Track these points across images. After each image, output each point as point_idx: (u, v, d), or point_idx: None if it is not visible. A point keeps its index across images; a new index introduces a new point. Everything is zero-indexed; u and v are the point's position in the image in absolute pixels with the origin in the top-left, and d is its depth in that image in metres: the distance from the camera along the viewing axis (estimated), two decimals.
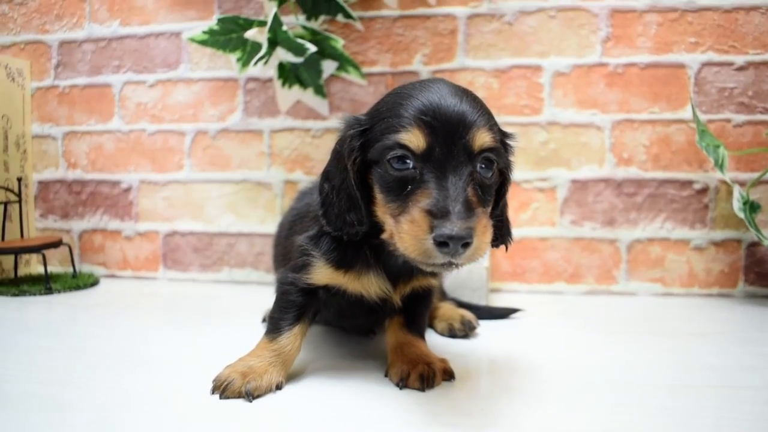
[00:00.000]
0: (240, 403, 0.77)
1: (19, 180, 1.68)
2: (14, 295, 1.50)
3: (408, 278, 0.90)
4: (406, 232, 0.69)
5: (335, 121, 1.64)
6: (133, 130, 1.77)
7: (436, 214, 0.67)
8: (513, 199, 1.57)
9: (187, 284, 1.71)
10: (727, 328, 1.22)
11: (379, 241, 0.81)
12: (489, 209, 0.76)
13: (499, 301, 1.42)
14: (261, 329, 1.14)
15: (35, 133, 1.83)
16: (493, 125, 0.76)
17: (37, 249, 1.57)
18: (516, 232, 1.57)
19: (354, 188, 0.79)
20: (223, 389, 0.78)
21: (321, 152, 1.66)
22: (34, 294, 1.51)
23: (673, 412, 0.76)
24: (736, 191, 1.39)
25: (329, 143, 1.64)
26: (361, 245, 0.84)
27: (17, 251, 1.56)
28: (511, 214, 1.55)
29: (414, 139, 0.71)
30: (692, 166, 1.51)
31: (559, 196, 1.56)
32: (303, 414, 0.74)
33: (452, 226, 0.65)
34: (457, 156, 0.71)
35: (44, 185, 1.85)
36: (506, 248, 0.90)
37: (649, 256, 1.54)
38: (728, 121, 1.50)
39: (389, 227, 0.76)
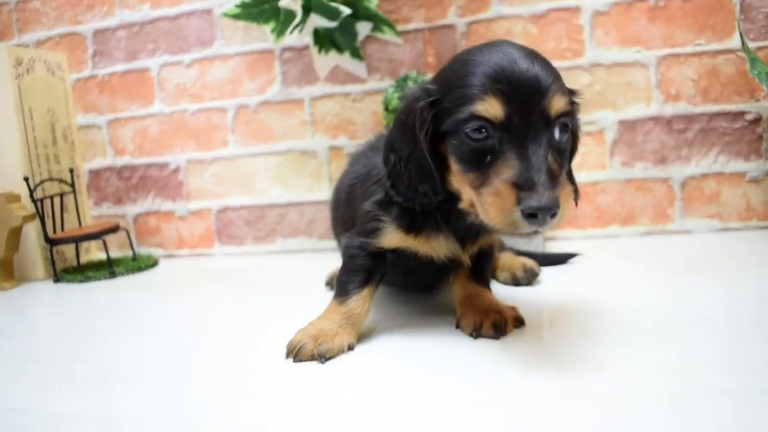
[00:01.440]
0: (314, 365, 0.79)
1: (71, 171, 1.72)
2: (80, 281, 1.55)
3: (475, 238, 0.90)
4: (491, 204, 0.69)
5: (375, 83, 1.63)
6: (175, 111, 1.79)
7: (522, 186, 0.66)
8: None
9: (242, 258, 1.74)
10: None
11: (449, 206, 0.82)
12: (564, 173, 0.75)
13: (555, 249, 1.42)
14: (323, 294, 1.17)
15: (80, 124, 1.87)
16: (564, 87, 0.74)
17: (97, 236, 1.61)
18: None
19: (427, 159, 0.78)
20: (296, 353, 0.80)
21: (363, 115, 1.66)
22: (99, 279, 1.56)
23: (744, 344, 0.75)
24: None
25: (371, 106, 1.64)
26: (431, 209, 0.84)
27: (78, 239, 1.61)
28: None
29: (491, 109, 0.70)
30: (743, 97, 1.47)
31: (607, 139, 1.54)
32: (378, 371, 0.76)
33: (540, 198, 0.64)
34: (535, 123, 0.70)
35: (95, 174, 1.89)
36: (575, 204, 0.88)
37: (704, 192, 1.51)
38: None
39: (468, 197, 0.76)
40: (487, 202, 0.70)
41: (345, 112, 1.66)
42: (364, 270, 0.89)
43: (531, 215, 0.65)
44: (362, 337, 0.89)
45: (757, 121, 1.47)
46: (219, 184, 1.78)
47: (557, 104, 0.71)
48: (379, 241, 0.88)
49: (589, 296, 1.03)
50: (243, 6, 1.48)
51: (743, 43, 1.34)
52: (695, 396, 0.61)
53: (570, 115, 0.74)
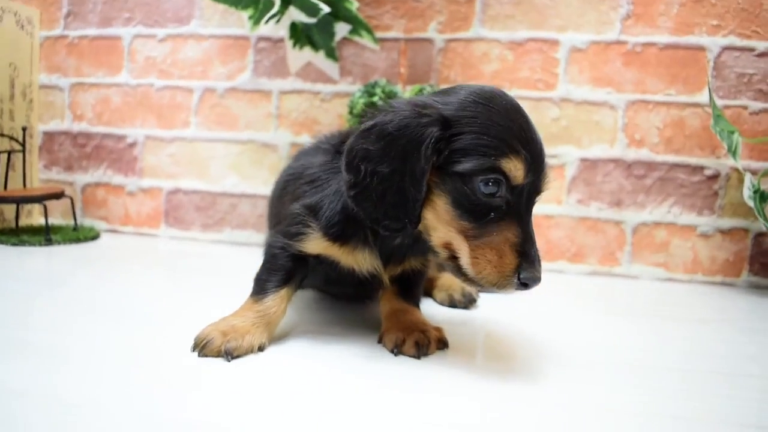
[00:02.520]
0: (219, 362, 0.76)
1: (24, 129, 1.66)
2: (14, 244, 1.49)
3: (400, 260, 0.89)
4: (490, 262, 0.71)
5: (345, 85, 1.61)
6: (141, 85, 1.75)
7: (525, 256, 0.70)
8: None
9: (187, 243, 1.70)
10: (729, 316, 1.20)
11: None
12: None
13: None
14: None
15: (42, 83, 1.82)
16: None
17: (38, 199, 1.56)
18: None
19: (420, 189, 0.74)
20: (202, 347, 0.77)
21: (329, 116, 1.63)
22: (34, 244, 1.50)
23: (666, 396, 0.75)
24: (748, 179, 1.37)
25: (337, 107, 1.62)
26: (362, 222, 0.80)
27: (19, 200, 1.55)
28: None
29: (514, 169, 0.71)
30: (704, 152, 1.49)
31: (567, 174, 1.54)
32: (284, 377, 0.73)
33: (536, 273, 0.70)
34: (532, 195, 0.75)
35: (49, 136, 1.83)
36: None
37: (654, 239, 1.52)
38: (745, 107, 1.47)
39: (445, 238, 0.76)
40: (485, 258, 0.71)
41: (312, 110, 1.64)
42: (284, 270, 0.87)
43: (524, 284, 0.70)
44: (277, 338, 0.87)
45: (715, 177, 1.49)
46: (174, 164, 1.74)
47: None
48: (302, 245, 0.86)
49: (522, 328, 1.02)
50: None
51: (711, 98, 1.36)
52: None
53: None
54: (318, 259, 0.87)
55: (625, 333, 1.03)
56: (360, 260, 0.85)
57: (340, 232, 0.83)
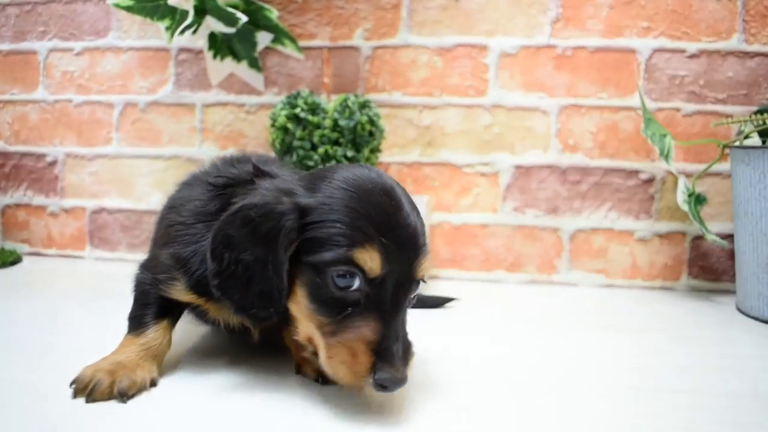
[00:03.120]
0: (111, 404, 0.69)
1: None
2: None
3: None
4: (343, 362, 0.65)
5: (271, 97, 1.56)
6: (59, 101, 1.66)
7: (382, 355, 0.63)
8: (454, 183, 1.51)
9: (114, 264, 1.63)
10: (666, 324, 1.18)
11: None
12: None
13: (436, 289, 1.37)
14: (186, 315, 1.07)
15: None
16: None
17: None
18: (456, 217, 1.52)
19: (282, 281, 0.68)
20: (90, 392, 0.69)
21: (255, 129, 1.58)
22: None
23: (594, 414, 0.72)
24: (682, 183, 1.35)
25: (264, 120, 1.56)
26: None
27: None
28: (452, 198, 1.51)
29: (369, 261, 0.65)
30: (639, 155, 1.47)
31: (501, 182, 1.50)
32: (185, 413, 0.68)
33: (396, 373, 0.63)
34: (403, 285, 0.67)
35: None
36: None
37: (592, 246, 1.49)
38: (677, 110, 1.46)
39: (307, 332, 0.71)
40: (338, 357, 0.65)
41: (237, 123, 1.58)
42: (158, 305, 0.81)
43: (381, 385, 0.63)
44: (165, 372, 0.81)
45: (650, 181, 1.47)
46: (97, 183, 1.66)
47: (425, 270, 0.70)
48: (168, 292, 0.79)
49: (454, 345, 0.99)
50: None
51: (642, 102, 1.34)
52: None
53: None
54: (189, 304, 0.82)
55: (562, 346, 1.01)
56: (228, 315, 0.79)
57: (205, 288, 0.75)
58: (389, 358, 0.63)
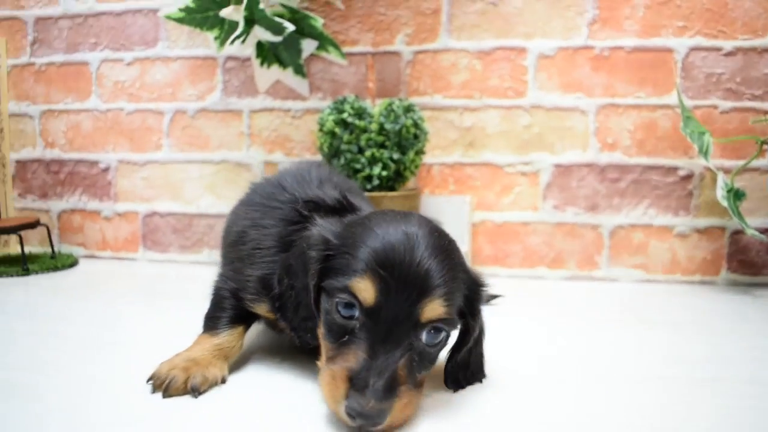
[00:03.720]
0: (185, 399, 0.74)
1: None
2: None
3: None
4: (327, 384, 0.66)
5: (316, 102, 1.61)
6: (111, 109, 1.73)
7: (355, 384, 0.63)
8: (496, 182, 1.55)
9: (166, 265, 1.69)
10: (706, 317, 1.20)
11: None
12: (427, 373, 0.71)
13: None
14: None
15: (11, 112, 1.80)
16: (451, 292, 0.69)
17: (13, 230, 1.55)
18: (498, 216, 1.56)
19: (311, 308, 0.74)
20: (165, 387, 0.74)
21: (301, 133, 1.63)
22: (11, 275, 1.49)
23: (643, 404, 0.75)
24: (720, 179, 1.37)
25: (309, 124, 1.62)
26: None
27: None
28: (494, 197, 1.55)
29: (364, 291, 0.66)
30: (677, 153, 1.49)
31: (541, 181, 1.54)
32: (251, 406, 0.73)
33: (363, 404, 0.61)
34: (403, 322, 0.66)
35: (22, 165, 1.82)
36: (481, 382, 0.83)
37: (632, 242, 1.52)
38: (715, 107, 1.48)
39: (323, 355, 0.73)
40: (324, 380, 0.67)
41: (283, 127, 1.63)
42: (234, 310, 0.86)
43: (350, 414, 0.62)
44: (233, 369, 0.85)
45: (688, 177, 1.49)
46: (149, 187, 1.73)
47: (432, 311, 0.67)
48: (255, 309, 0.85)
49: (501, 340, 1.00)
50: (187, 10, 1.44)
51: (680, 100, 1.36)
52: None
53: (447, 322, 0.69)
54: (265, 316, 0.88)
55: (605, 341, 1.03)
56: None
57: (281, 309, 0.81)
58: (361, 388, 0.62)
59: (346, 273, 0.68)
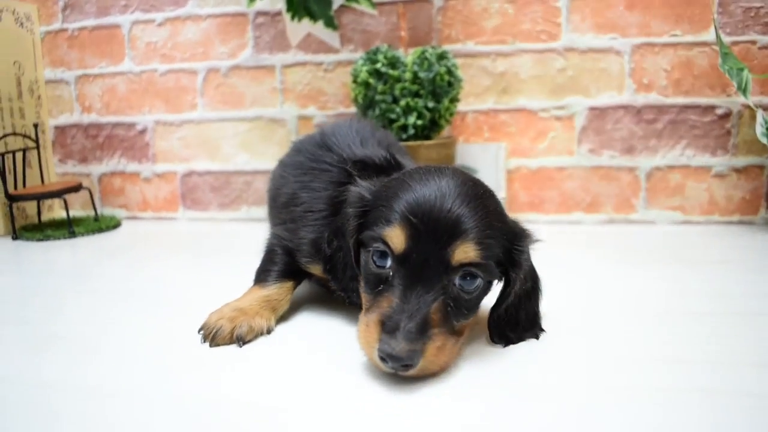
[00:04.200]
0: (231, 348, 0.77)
1: (36, 126, 1.68)
2: (39, 240, 1.53)
3: None
4: (362, 332, 0.68)
5: (347, 54, 1.61)
6: (145, 71, 1.75)
7: (387, 327, 0.63)
8: (530, 128, 1.54)
9: (206, 223, 1.73)
10: (746, 255, 1.20)
11: None
12: (466, 321, 0.71)
13: None
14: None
15: (48, 78, 1.83)
16: (485, 238, 0.68)
17: (57, 194, 1.59)
18: (533, 162, 1.56)
19: (355, 266, 0.76)
20: (213, 337, 0.77)
21: (334, 86, 1.63)
22: (58, 238, 1.54)
23: (687, 339, 0.76)
24: (760, 116, 1.35)
25: (342, 77, 1.62)
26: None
27: (39, 197, 1.58)
28: (529, 143, 1.54)
29: (395, 238, 0.67)
30: (715, 91, 1.47)
31: (576, 125, 1.53)
32: (294, 356, 0.74)
33: (394, 345, 0.61)
34: (433, 266, 0.66)
35: (60, 130, 1.86)
36: (537, 337, 0.79)
37: (669, 183, 1.51)
38: (753, 43, 1.45)
39: (363, 308, 0.74)
40: (360, 329, 0.69)
41: (316, 81, 1.64)
42: (286, 265, 0.89)
43: (383, 359, 0.63)
44: (281, 321, 0.87)
45: (726, 116, 1.47)
46: (186, 147, 1.75)
47: (462, 254, 0.66)
48: (309, 269, 0.88)
49: (544, 282, 1.03)
50: None
51: (717, 36, 1.34)
52: (634, 392, 0.61)
53: (482, 267, 0.68)
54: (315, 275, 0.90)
55: (644, 279, 1.04)
56: None
57: (332, 269, 0.84)
58: (391, 330, 0.63)
59: (379, 224, 0.69)
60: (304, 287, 0.99)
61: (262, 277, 0.88)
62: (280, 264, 0.89)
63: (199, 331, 0.79)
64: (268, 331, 0.81)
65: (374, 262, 0.70)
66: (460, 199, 0.68)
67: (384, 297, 0.67)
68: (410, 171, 0.75)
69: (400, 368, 0.63)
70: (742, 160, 1.48)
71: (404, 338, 0.62)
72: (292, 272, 0.89)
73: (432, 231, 0.66)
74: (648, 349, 0.73)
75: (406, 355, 0.61)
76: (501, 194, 1.38)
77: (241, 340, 0.77)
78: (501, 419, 0.57)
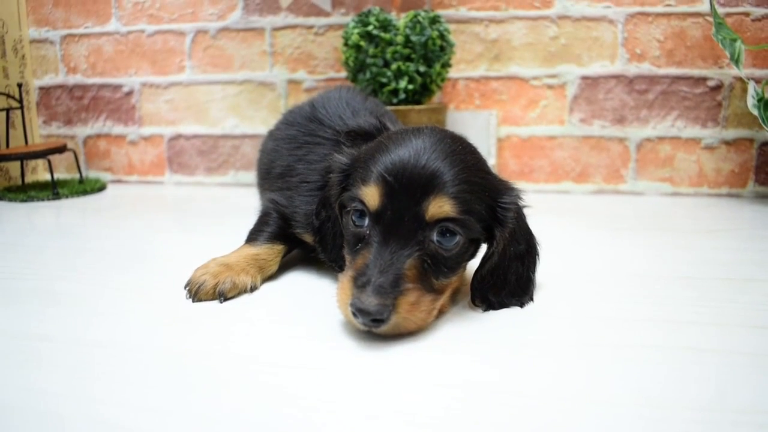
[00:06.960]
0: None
1: (20, 86, 1.65)
2: (23, 200, 1.51)
3: None
4: (339, 290, 0.67)
5: (338, 17, 1.59)
6: (132, 32, 1.72)
7: (358, 282, 0.63)
8: (522, 96, 1.53)
9: (193, 187, 1.71)
10: (735, 225, 1.21)
11: None
12: (447, 280, 0.69)
13: None
14: None
15: (32, 38, 1.79)
16: (461, 193, 0.66)
17: (41, 154, 1.56)
18: (524, 130, 1.55)
19: (341, 230, 0.77)
20: (195, 292, 0.77)
21: (324, 50, 1.61)
22: (42, 199, 1.52)
23: (676, 301, 0.76)
24: (751, 88, 1.35)
25: (332, 41, 1.60)
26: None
27: (22, 157, 1.56)
28: (520, 112, 1.53)
29: (370, 196, 0.67)
30: (707, 63, 1.47)
31: (568, 94, 1.52)
32: (277, 313, 0.75)
33: (364, 300, 0.61)
34: (409, 222, 0.66)
35: (45, 91, 1.82)
36: (522, 305, 0.77)
37: (659, 155, 1.51)
38: (747, 14, 1.44)
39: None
40: (338, 288, 0.68)
41: (306, 45, 1.62)
42: (280, 228, 0.89)
43: (354, 314, 0.62)
44: (268, 280, 0.87)
45: (718, 88, 1.47)
46: (173, 110, 1.73)
47: (436, 208, 0.65)
48: (303, 237, 0.88)
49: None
50: None
51: (712, 6, 1.33)
52: (623, 349, 0.62)
53: (459, 223, 0.67)
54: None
55: (633, 247, 1.05)
56: None
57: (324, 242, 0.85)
58: (362, 285, 0.62)
59: (356, 185, 0.70)
60: (296, 252, 1.00)
61: (253, 236, 0.89)
62: (274, 226, 0.89)
63: (185, 287, 0.79)
64: (252, 289, 0.81)
65: (353, 221, 0.70)
66: (436, 155, 0.67)
67: (360, 254, 0.67)
68: (389, 133, 0.76)
69: (372, 324, 0.62)
70: (732, 133, 1.48)
71: (374, 292, 0.61)
72: (285, 237, 0.89)
73: (406, 187, 0.66)
74: (636, 311, 0.73)
75: (375, 309, 0.60)
76: (491, 162, 1.37)
77: (223, 296, 0.77)
78: (484, 374, 0.57)
